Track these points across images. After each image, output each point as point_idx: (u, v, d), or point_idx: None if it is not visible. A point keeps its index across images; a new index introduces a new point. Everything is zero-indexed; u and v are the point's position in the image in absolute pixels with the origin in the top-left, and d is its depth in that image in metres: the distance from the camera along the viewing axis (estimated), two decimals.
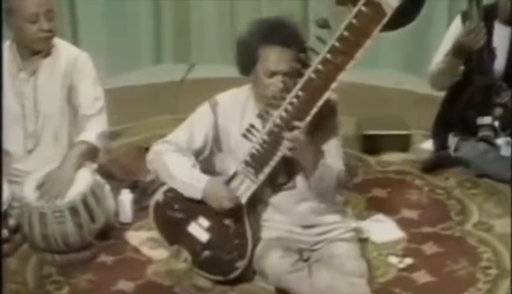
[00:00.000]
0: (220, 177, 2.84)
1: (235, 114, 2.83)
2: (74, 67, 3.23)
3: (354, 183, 3.71)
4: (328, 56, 2.52)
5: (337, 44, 2.50)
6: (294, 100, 2.61)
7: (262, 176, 2.74)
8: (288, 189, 2.82)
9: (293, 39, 2.66)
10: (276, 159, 2.70)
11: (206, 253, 2.86)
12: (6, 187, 3.04)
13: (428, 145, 4.02)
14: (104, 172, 3.47)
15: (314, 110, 2.61)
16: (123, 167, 3.69)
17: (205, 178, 2.80)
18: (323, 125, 2.73)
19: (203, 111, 2.88)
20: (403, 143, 4.05)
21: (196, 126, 2.87)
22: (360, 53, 2.50)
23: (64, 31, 4.67)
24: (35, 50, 3.19)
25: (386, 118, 4.27)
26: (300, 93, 2.60)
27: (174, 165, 2.83)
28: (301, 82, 2.59)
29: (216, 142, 2.89)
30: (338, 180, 2.75)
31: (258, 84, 2.74)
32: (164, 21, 5.44)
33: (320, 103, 2.60)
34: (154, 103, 4.69)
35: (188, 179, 2.80)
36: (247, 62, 2.74)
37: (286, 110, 2.63)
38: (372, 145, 4.03)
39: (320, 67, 2.55)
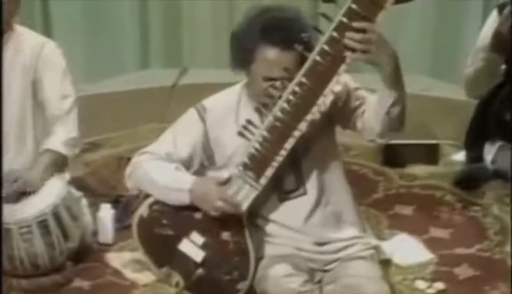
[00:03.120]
0: (210, 176, 2.79)
1: (228, 119, 2.79)
2: (39, 57, 3.22)
3: (374, 199, 3.70)
4: (335, 34, 2.46)
5: (344, 20, 2.44)
6: (297, 89, 2.57)
7: (263, 180, 2.69)
8: (297, 197, 2.77)
9: (296, 40, 2.57)
10: (279, 158, 2.65)
11: (202, 274, 2.78)
12: None
13: (460, 156, 4.02)
14: (81, 186, 3.46)
15: (321, 100, 2.56)
16: (103, 180, 3.67)
17: (192, 179, 2.75)
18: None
19: (190, 119, 2.84)
20: (430, 154, 4.05)
21: (181, 137, 2.83)
22: None
23: (35, 29, 4.65)
24: None
25: (411, 126, 4.21)
26: (304, 80, 2.55)
27: (156, 170, 2.78)
28: (304, 67, 2.54)
29: (207, 154, 2.84)
30: None
31: (253, 84, 2.71)
32: (152, 21, 5.42)
33: (328, 90, 2.55)
34: (140, 110, 4.68)
35: (172, 182, 2.75)
36: (241, 60, 2.70)
37: (288, 101, 2.59)
38: (394, 156, 4.01)
39: (326, 47, 2.49)
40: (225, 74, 2.83)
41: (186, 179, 2.75)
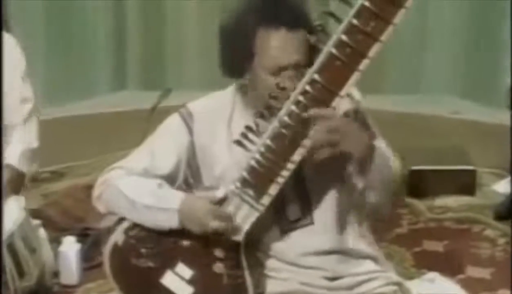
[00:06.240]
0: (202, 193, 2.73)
1: (219, 128, 2.72)
2: None
3: (397, 234, 3.73)
4: (355, 21, 2.42)
5: (367, 3, 2.39)
6: (308, 88, 2.52)
7: (266, 199, 2.61)
8: (302, 227, 2.70)
9: (304, 18, 2.56)
10: (285, 173, 2.58)
11: None
12: None
13: (501, 186, 4.07)
14: (38, 218, 3.38)
15: (337, 101, 2.52)
16: (66, 211, 3.66)
17: (180, 195, 2.68)
18: None
19: (173, 126, 2.76)
20: (466, 183, 4.07)
21: (162, 148, 2.75)
22: (400, 15, 2.37)
23: None
24: None
25: (442, 150, 4.27)
26: (317, 78, 2.50)
27: (133, 187, 2.71)
28: (317, 61, 2.48)
29: (192, 169, 2.77)
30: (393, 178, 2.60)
31: (256, 86, 2.65)
32: (130, 36, 5.47)
33: (345, 90, 2.51)
34: (113, 136, 4.69)
35: (156, 202, 2.67)
36: (238, 57, 2.63)
37: (297, 103, 2.54)
38: (422, 185, 4.04)
39: (344, 38, 2.44)
40: None
41: (174, 197, 2.67)
